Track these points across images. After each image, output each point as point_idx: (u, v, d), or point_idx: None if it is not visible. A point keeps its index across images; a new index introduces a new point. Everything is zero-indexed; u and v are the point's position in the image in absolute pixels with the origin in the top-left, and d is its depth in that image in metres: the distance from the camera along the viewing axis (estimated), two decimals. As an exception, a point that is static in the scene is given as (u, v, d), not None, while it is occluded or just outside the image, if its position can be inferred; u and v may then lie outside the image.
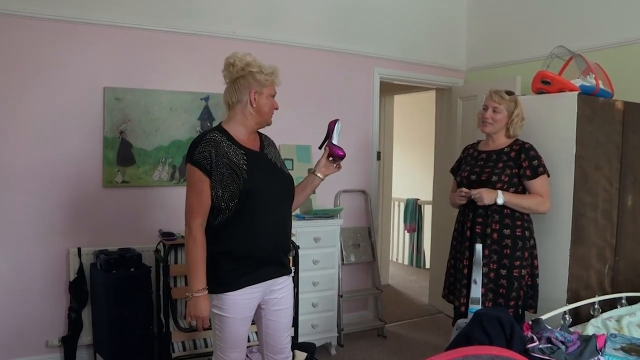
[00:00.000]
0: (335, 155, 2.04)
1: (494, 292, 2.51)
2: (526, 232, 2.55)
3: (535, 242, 2.61)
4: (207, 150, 1.84)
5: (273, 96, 1.95)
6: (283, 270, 2.02)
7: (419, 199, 6.15)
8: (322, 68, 3.85)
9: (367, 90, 4.07)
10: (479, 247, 2.45)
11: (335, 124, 2.09)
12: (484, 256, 2.50)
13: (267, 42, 3.56)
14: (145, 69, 3.23)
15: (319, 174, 2.10)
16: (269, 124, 1.98)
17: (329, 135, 2.08)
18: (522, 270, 2.53)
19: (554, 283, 2.65)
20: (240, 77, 1.91)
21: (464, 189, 2.54)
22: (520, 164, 2.52)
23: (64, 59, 3.02)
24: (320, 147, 2.13)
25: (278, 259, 1.98)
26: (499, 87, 2.65)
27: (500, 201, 2.46)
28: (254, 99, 1.90)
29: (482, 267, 2.49)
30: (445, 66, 4.42)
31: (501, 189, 2.48)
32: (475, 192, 2.48)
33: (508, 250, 2.51)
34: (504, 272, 2.52)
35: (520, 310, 2.53)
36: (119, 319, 2.82)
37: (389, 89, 5.00)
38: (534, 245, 2.60)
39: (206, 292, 1.84)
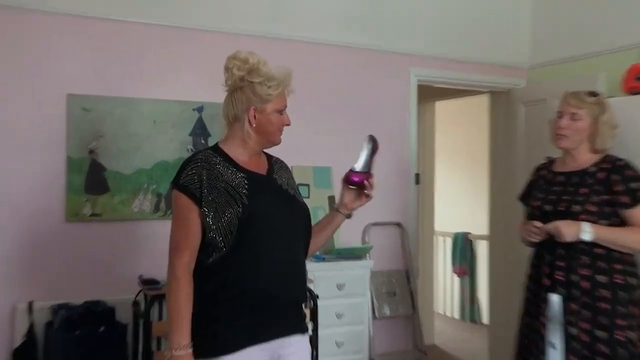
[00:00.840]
0: (350, 182, 2.08)
1: None
2: (630, 278, 2.43)
3: None
4: (197, 172, 1.86)
5: (281, 111, 1.95)
6: (296, 327, 1.98)
7: (469, 233, 6.06)
8: (345, 70, 3.90)
9: (401, 97, 4.10)
10: (554, 298, 2.39)
11: (369, 142, 2.11)
12: (571, 312, 2.40)
13: (277, 39, 3.58)
14: (121, 72, 3.25)
15: (342, 210, 2.10)
16: (276, 144, 2.00)
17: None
18: (630, 333, 2.38)
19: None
20: (239, 88, 1.92)
21: (535, 223, 2.47)
22: (612, 188, 2.42)
23: (15, 58, 3.02)
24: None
25: (289, 311, 1.96)
26: (577, 88, 2.58)
27: (586, 237, 2.36)
28: (254, 117, 1.92)
29: (571, 327, 2.39)
30: (502, 63, 4.41)
31: (587, 221, 2.39)
32: (550, 227, 2.39)
33: (606, 305, 2.38)
34: (602, 334, 2.38)
35: None
36: (83, 395, 2.77)
37: (428, 94, 4.99)
38: None
39: (190, 350, 1.81)
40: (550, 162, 2.70)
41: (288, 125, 1.98)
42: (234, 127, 1.94)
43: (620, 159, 2.48)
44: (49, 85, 3.07)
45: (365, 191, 2.07)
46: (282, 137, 1.99)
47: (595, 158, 2.51)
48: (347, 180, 2.08)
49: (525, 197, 2.75)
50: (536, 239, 2.49)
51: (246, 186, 1.88)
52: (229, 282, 1.84)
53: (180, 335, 1.79)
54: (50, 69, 3.07)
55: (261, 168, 1.99)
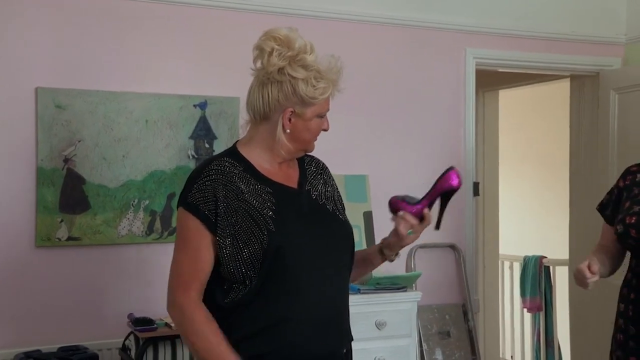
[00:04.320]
0: (395, 208, 2.00)
1: None
2: None
3: None
4: (211, 187, 1.84)
5: (323, 115, 1.95)
6: None
7: (544, 257, 5.72)
8: (383, 53, 3.88)
9: (455, 85, 4.09)
10: None
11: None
12: None
13: (300, 15, 3.56)
14: (103, 59, 3.25)
15: (386, 251, 2.05)
16: (307, 152, 2.02)
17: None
18: None
19: None
20: (275, 82, 1.87)
21: (588, 272, 2.36)
22: None
23: None
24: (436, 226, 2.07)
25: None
26: None
27: None
28: (289, 121, 1.89)
29: None
30: (588, 38, 4.34)
31: None
32: None
33: None
34: None
35: None
36: None
37: (490, 80, 5.01)
38: None
39: None
40: None
41: (326, 130, 1.97)
42: (261, 128, 1.92)
43: None
44: (11, 76, 3.07)
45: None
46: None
47: None
48: (394, 207, 2.00)
49: (607, 209, 2.69)
50: (587, 287, 2.42)
51: (273, 206, 1.85)
52: (252, 330, 1.82)
53: None
54: (13, 55, 3.08)
55: (291, 179, 1.97)
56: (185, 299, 1.82)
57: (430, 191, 1.96)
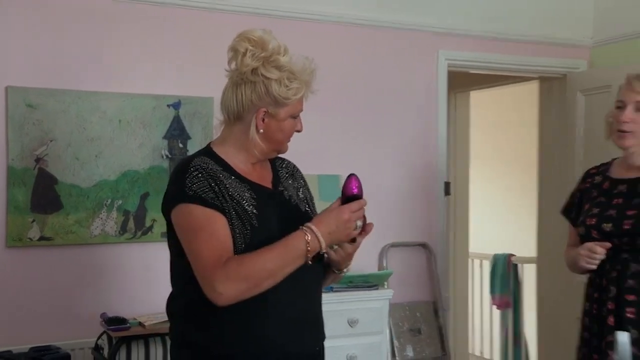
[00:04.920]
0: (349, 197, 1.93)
1: None
2: None
3: None
4: (204, 179, 1.84)
5: (296, 116, 1.95)
6: None
7: (513, 255, 5.83)
8: (356, 55, 3.89)
9: (427, 85, 4.10)
10: (623, 337, 2.29)
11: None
12: None
13: (274, 16, 3.55)
14: (77, 59, 3.24)
15: (335, 269, 2.03)
16: (280, 153, 2.02)
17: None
18: None
19: None
20: (249, 82, 1.87)
21: (598, 247, 2.43)
22: None
23: None
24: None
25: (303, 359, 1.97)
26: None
27: None
28: (263, 121, 1.89)
29: None
30: (556, 41, 4.39)
31: None
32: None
33: None
34: None
35: None
36: None
37: (462, 81, 5.02)
38: None
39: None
40: (606, 165, 2.68)
41: (299, 132, 1.98)
42: (235, 128, 1.92)
43: None
44: None
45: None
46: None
47: None
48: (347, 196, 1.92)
49: (570, 211, 2.73)
50: (593, 265, 2.45)
51: (253, 201, 1.87)
52: (230, 327, 1.83)
53: (291, 241, 1.78)
54: None
55: (265, 179, 1.97)
56: (223, 271, 1.75)
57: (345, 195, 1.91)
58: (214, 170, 1.87)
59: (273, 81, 1.84)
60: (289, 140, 1.98)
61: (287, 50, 1.88)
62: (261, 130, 1.89)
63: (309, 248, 1.78)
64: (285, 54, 1.87)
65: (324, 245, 1.80)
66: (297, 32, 3.52)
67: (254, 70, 1.84)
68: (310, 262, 1.84)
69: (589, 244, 2.45)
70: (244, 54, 1.84)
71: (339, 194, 3.26)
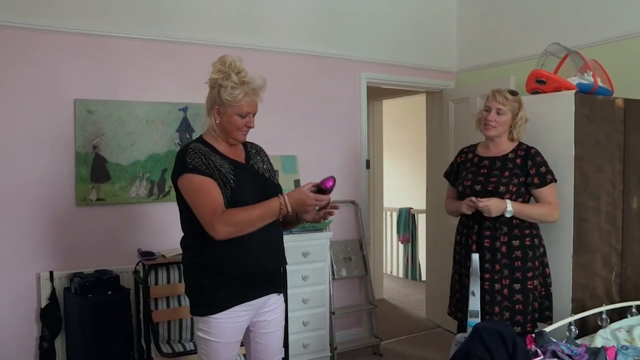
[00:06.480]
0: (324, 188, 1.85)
1: (510, 310, 2.46)
2: (535, 239, 2.52)
3: (545, 249, 2.58)
4: (198, 157, 1.82)
5: (244, 116, 1.87)
6: (276, 288, 1.99)
7: (412, 208, 6.13)
8: (306, 74, 3.85)
9: (354, 96, 4.07)
10: (475, 257, 2.42)
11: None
12: (495, 271, 2.47)
13: (249, 49, 3.54)
14: (118, 79, 3.21)
15: (302, 220, 1.99)
16: (238, 142, 1.94)
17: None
18: (535, 281, 2.50)
19: (557, 292, 2.62)
20: (212, 87, 1.88)
21: (474, 199, 2.46)
22: (528, 171, 2.48)
23: (30, 70, 2.98)
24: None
25: (273, 276, 1.96)
26: (495, 87, 2.61)
27: (509, 213, 2.42)
28: (217, 115, 1.87)
29: (496, 283, 2.46)
30: (435, 68, 4.41)
31: (510, 199, 2.43)
32: (483, 204, 2.41)
33: (519, 262, 2.47)
34: (517, 286, 2.47)
35: (537, 324, 2.48)
36: (96, 347, 2.77)
37: (376, 93, 4.98)
38: (544, 253, 2.57)
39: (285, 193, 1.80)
40: (474, 146, 2.68)
41: (251, 128, 1.91)
42: (209, 120, 1.91)
43: (531, 147, 2.50)
44: (59, 92, 3.04)
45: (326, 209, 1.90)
46: (255, 132, 1.95)
47: (512, 145, 2.53)
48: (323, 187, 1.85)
49: (450, 174, 2.73)
50: (469, 211, 2.49)
51: (232, 171, 1.85)
52: (219, 252, 1.81)
53: (270, 203, 1.75)
54: (60, 78, 3.04)
55: (240, 157, 1.95)
56: (220, 218, 1.74)
57: (319, 186, 1.83)
58: (204, 151, 1.84)
59: (222, 88, 1.83)
60: (243, 132, 1.90)
61: (241, 70, 1.84)
62: (217, 122, 1.87)
63: (281, 210, 1.77)
64: (238, 72, 1.83)
65: (290, 211, 1.79)
66: (261, 59, 3.51)
67: (215, 80, 1.85)
68: (280, 219, 1.87)
69: (471, 198, 2.46)
70: (214, 70, 1.86)
71: (296, 169, 3.42)
